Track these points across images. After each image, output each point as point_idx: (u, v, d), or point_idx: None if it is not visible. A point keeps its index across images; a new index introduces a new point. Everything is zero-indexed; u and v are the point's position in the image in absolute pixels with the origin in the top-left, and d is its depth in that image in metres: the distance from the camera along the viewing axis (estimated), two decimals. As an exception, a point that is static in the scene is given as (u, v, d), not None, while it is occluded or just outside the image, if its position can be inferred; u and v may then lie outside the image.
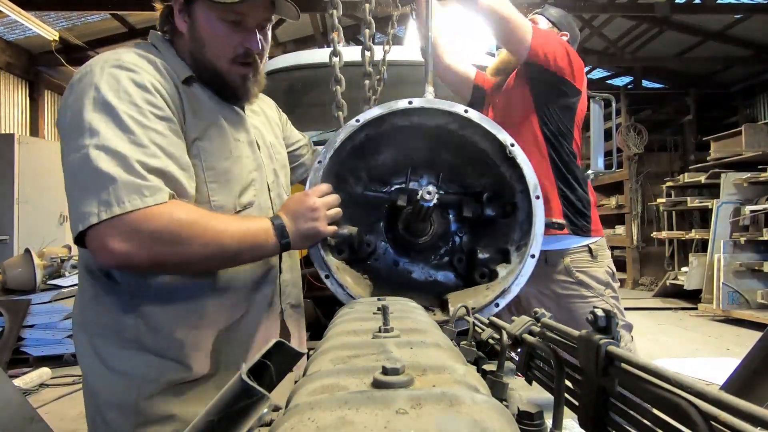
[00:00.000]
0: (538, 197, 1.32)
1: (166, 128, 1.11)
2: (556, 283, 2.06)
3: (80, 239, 1.05)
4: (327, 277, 1.30)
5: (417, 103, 1.32)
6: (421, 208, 1.30)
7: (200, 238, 1.08)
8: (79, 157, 1.03)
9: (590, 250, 2.06)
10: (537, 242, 1.30)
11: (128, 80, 1.10)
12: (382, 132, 1.39)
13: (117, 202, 1.00)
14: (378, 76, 1.90)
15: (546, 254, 2.04)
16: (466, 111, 1.33)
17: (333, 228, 1.29)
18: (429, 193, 1.25)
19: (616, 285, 2.14)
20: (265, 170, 1.39)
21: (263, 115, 1.53)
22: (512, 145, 1.33)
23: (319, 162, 1.33)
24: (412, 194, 1.41)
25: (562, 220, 1.50)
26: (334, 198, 1.30)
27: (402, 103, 1.32)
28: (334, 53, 1.55)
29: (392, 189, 1.55)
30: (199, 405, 1.21)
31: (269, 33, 1.33)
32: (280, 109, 1.69)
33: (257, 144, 1.39)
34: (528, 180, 1.32)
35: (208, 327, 1.24)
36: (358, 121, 1.32)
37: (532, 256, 1.30)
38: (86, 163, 1.01)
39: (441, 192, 1.47)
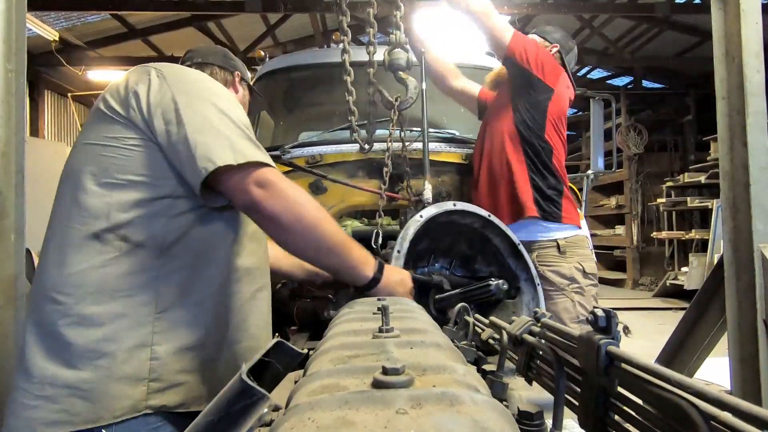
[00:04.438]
0: (539, 284, 1.71)
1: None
2: None
3: (204, 183, 1.11)
4: None
5: (459, 206, 1.70)
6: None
7: (314, 207, 1.21)
8: (204, 115, 1.16)
9: (558, 246, 2.16)
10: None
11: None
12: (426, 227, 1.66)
13: (245, 156, 1.13)
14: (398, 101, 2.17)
15: None
16: (489, 216, 1.73)
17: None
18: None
19: (588, 281, 2.20)
20: None
21: None
22: (519, 244, 1.75)
23: (398, 251, 1.53)
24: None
25: None
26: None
27: (448, 205, 1.69)
28: (346, 72, 1.80)
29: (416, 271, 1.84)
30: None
31: None
32: None
33: None
34: (531, 270, 1.71)
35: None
36: (421, 216, 1.61)
37: None
38: (214, 120, 1.16)
39: (456, 275, 1.81)
